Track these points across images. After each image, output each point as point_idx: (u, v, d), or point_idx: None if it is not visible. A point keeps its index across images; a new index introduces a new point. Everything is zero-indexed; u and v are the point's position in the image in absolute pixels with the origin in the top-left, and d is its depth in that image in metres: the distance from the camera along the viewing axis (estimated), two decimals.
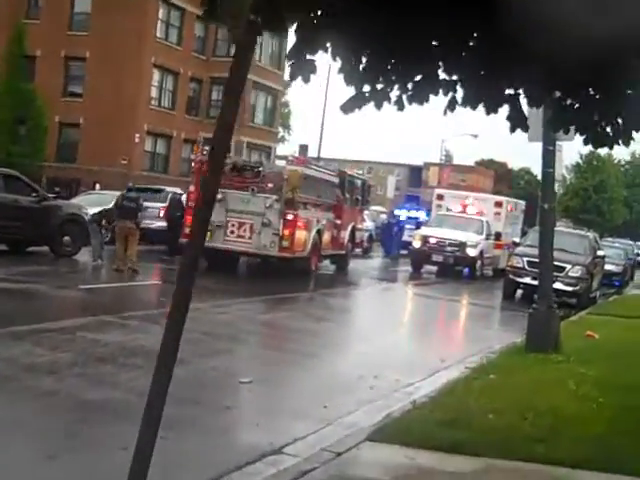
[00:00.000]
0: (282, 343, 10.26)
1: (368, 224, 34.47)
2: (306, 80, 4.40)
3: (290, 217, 18.23)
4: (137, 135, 40.27)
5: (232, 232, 18.43)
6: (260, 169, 18.85)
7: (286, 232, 18.17)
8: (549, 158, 11.29)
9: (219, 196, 18.08)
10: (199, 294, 14.98)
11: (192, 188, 19.03)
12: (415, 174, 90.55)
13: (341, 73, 4.65)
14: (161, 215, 22.60)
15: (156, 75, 42.20)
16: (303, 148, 41.76)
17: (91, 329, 9.62)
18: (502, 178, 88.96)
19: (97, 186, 32.64)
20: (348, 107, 4.81)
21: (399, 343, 11.74)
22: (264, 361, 9.08)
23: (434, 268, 26.19)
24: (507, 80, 4.76)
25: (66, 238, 17.93)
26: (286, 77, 55.12)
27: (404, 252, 30.02)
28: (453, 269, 25.52)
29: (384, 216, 42.97)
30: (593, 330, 13.31)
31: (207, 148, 19.64)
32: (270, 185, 18.47)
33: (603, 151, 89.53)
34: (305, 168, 18.97)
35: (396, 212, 40.34)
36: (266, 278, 18.63)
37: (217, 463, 5.52)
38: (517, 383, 8.56)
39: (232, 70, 3.76)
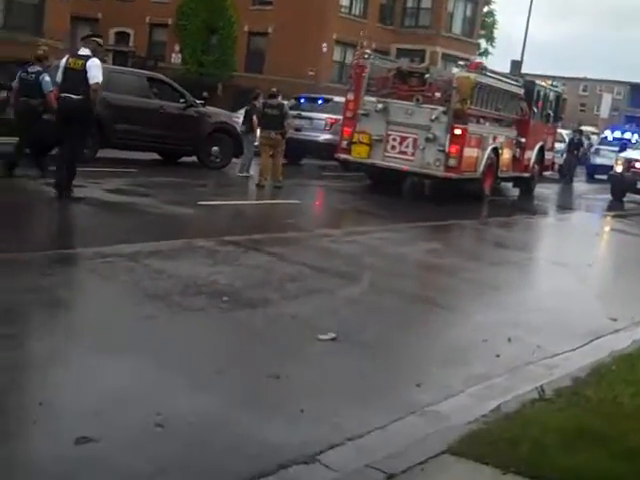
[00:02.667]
0: (401, 286, 8.19)
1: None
2: None
3: (458, 132, 15.75)
4: (324, 44, 38.53)
5: (393, 147, 16.28)
6: (427, 76, 16.43)
7: (453, 149, 15.76)
8: None
9: (380, 106, 16.08)
10: (338, 218, 13.55)
11: (350, 96, 16.98)
12: (637, 93, 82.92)
13: None
14: (328, 127, 20.82)
15: None
16: (515, 64, 38.19)
17: (166, 256, 8.05)
18: None
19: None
20: None
21: (562, 293, 9.28)
22: (365, 310, 7.10)
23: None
24: None
25: (214, 148, 16.63)
26: None
27: (601, 177, 26.43)
28: None
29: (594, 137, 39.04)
30: None
31: (368, 52, 17.53)
32: (437, 94, 16.05)
33: None
34: (479, 75, 16.29)
35: (605, 133, 36.63)
36: (429, 202, 16.43)
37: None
38: None
39: None
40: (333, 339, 6.02)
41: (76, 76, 10.58)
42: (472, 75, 16.00)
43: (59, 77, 10.94)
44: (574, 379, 5.66)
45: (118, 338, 5.46)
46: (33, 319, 5.78)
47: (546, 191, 22.55)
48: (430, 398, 5.09)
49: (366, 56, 17.05)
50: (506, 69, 34.88)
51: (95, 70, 10.62)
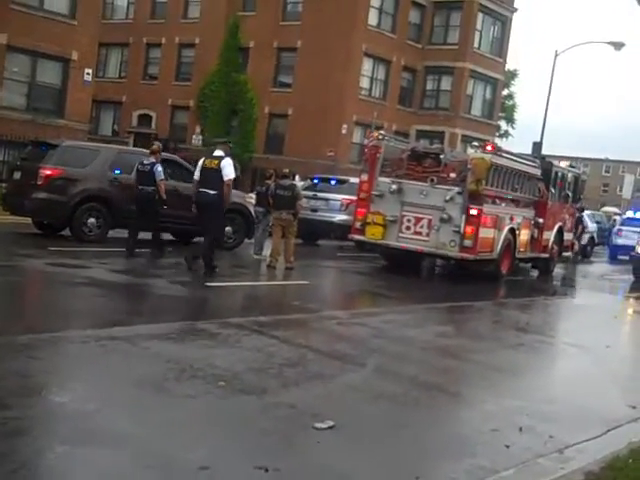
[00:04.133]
0: (407, 371, 7.88)
1: (589, 226, 30.86)
2: None
3: (474, 212, 15.59)
4: (345, 126, 38.93)
5: (407, 228, 16.14)
6: (441, 157, 16.37)
7: (468, 229, 15.56)
8: None
9: (394, 187, 16.01)
10: (347, 300, 13.28)
11: (364, 177, 16.92)
12: None
13: None
14: (344, 208, 20.76)
15: (367, 64, 40.60)
16: (536, 145, 38.16)
17: (165, 338, 7.81)
18: None
19: (297, 177, 31.60)
20: None
21: (578, 378, 8.92)
22: (367, 397, 6.78)
23: None
24: None
25: (227, 229, 16.54)
26: (508, 65, 51.72)
27: (624, 257, 26.03)
28: None
29: (617, 217, 38.89)
30: None
31: (382, 132, 17.56)
32: (452, 175, 15.97)
33: None
34: (495, 156, 16.21)
35: (627, 213, 36.35)
36: (444, 282, 16.18)
37: None
38: None
39: None
40: (331, 427, 5.72)
41: (212, 174, 12.42)
42: (487, 156, 15.92)
43: (197, 175, 12.77)
44: (587, 473, 5.31)
45: (95, 428, 5.16)
46: (9, 407, 5.47)
47: (566, 272, 22.22)
48: None
49: (380, 137, 17.05)
50: (528, 150, 34.95)
51: (228, 169, 12.53)
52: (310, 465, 5.07)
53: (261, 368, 7.15)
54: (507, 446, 5.89)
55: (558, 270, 21.52)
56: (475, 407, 7.10)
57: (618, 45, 37.63)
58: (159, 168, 14.24)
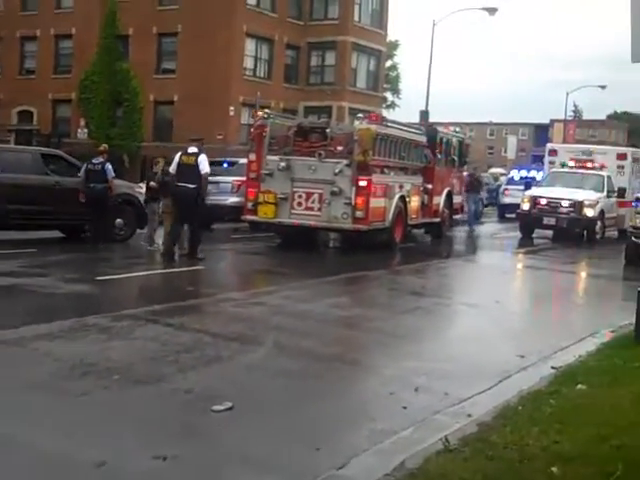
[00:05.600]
0: (305, 345, 7.92)
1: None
2: None
3: (363, 183, 15.76)
4: (232, 108, 38.64)
5: (299, 204, 16.18)
6: (327, 130, 16.44)
7: (359, 200, 15.72)
8: None
9: (282, 164, 16.00)
10: (243, 281, 13.24)
11: (252, 157, 16.85)
12: (542, 133, 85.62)
13: None
14: (235, 190, 20.62)
15: (249, 44, 40.35)
16: (424, 114, 38.82)
17: (55, 337, 7.59)
18: (637, 131, 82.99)
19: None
20: None
21: (471, 335, 9.17)
22: (266, 375, 6.79)
23: (549, 233, 23.19)
24: None
25: (118, 220, 16.20)
26: (390, 37, 52.20)
27: (512, 216, 26.82)
28: (572, 233, 22.37)
29: (502, 178, 40.04)
30: None
31: (267, 111, 17.50)
32: (339, 148, 16.07)
33: None
34: (380, 126, 16.39)
35: (512, 172, 37.63)
36: (339, 255, 16.34)
37: None
38: (614, 400, 5.95)
39: None
40: (229, 409, 5.69)
41: (190, 170, 13.61)
42: (372, 127, 16.09)
43: (173, 169, 13.96)
44: (480, 424, 5.47)
45: None
46: None
47: (459, 234, 22.76)
48: (331, 462, 4.81)
49: (265, 116, 16.99)
50: (417, 119, 35.54)
51: (204, 164, 13.72)
52: (209, 448, 5.03)
53: (156, 357, 7.06)
54: (404, 407, 6.01)
55: (451, 233, 22.04)
56: (373, 373, 7.22)
57: (492, 10, 38.68)
58: (109, 166, 15.41)
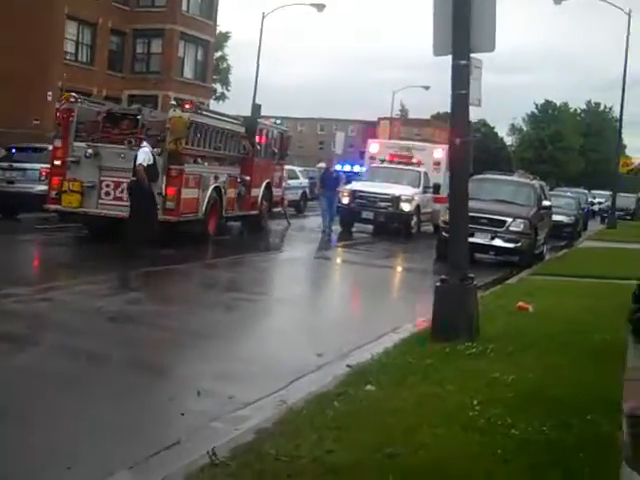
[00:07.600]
0: (90, 345, 7.29)
1: (301, 181, 31.78)
2: None
3: (175, 173, 15.15)
4: (49, 93, 36.65)
5: (107, 194, 15.35)
6: (139, 117, 15.69)
7: (170, 191, 15.09)
8: (461, 76, 8.35)
9: (90, 151, 15.14)
10: (33, 275, 12.21)
11: (58, 143, 15.82)
12: (370, 130, 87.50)
13: None
14: (43, 177, 19.38)
15: (71, 27, 38.45)
16: (256, 107, 38.15)
17: None
18: None
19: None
20: None
21: (274, 334, 8.84)
22: (33, 380, 6.12)
23: (369, 227, 23.46)
24: None
25: None
26: (221, 28, 51.62)
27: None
28: (391, 227, 22.72)
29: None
30: (530, 297, 10.67)
31: (74, 94, 16.51)
32: (151, 136, 15.34)
33: (559, 100, 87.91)
34: (194, 114, 15.83)
35: (337, 167, 37.93)
36: (150, 248, 15.62)
37: None
38: (397, 402, 5.70)
39: None
40: None
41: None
42: (185, 114, 15.50)
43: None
44: (259, 431, 5.06)
45: None
46: None
47: (279, 227, 22.55)
48: None
49: (72, 99, 16.00)
50: (247, 112, 35.00)
51: (141, 155, 14.00)
52: None
53: None
54: (182, 414, 5.55)
55: (272, 226, 21.77)
56: (156, 376, 6.71)
57: (320, 7, 38.99)
58: None
